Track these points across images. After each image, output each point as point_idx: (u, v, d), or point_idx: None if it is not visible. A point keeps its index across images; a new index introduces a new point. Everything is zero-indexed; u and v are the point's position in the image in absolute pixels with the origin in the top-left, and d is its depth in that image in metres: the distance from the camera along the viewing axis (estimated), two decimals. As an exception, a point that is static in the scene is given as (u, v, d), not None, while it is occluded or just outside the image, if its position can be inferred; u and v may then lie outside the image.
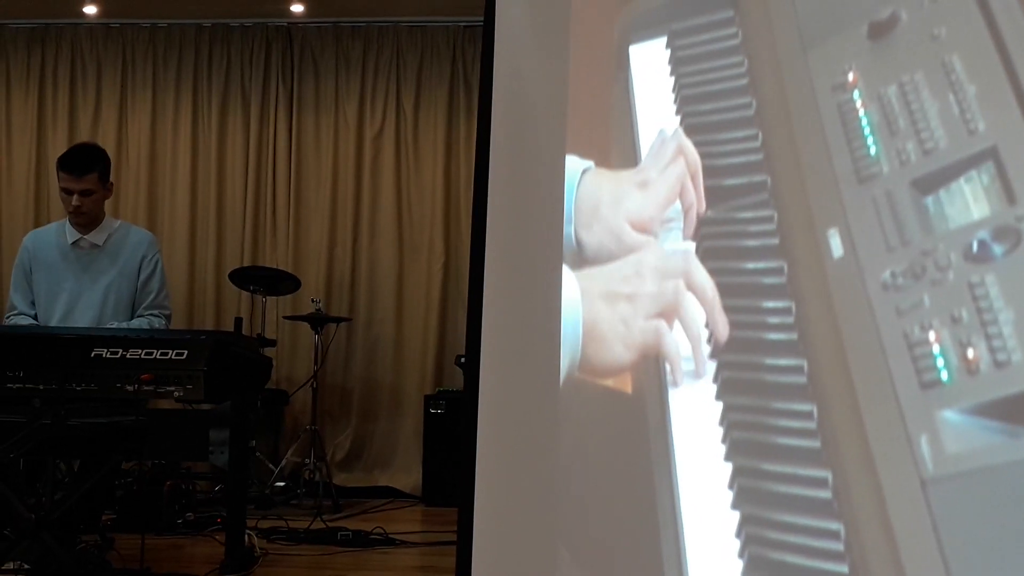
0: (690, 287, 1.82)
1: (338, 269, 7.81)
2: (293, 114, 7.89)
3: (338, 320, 7.38)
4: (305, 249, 7.82)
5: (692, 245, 1.86)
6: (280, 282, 7.14)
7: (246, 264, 7.60)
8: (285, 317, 7.50)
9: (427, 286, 7.74)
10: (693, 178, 1.81)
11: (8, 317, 4.93)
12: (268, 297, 7.25)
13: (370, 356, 7.76)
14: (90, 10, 7.43)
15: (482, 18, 7.36)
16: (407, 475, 7.51)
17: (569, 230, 2.15)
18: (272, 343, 7.06)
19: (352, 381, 7.77)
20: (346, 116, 7.86)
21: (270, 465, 7.10)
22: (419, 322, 7.73)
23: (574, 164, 2.19)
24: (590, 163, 2.14)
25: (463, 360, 7.06)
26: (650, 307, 1.93)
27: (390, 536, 5.63)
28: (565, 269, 2.18)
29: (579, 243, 2.12)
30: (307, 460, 7.00)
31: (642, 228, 1.96)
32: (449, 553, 5.30)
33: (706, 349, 1.80)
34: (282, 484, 7.08)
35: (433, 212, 7.75)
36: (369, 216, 7.81)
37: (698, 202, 1.81)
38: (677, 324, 1.86)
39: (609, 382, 2.09)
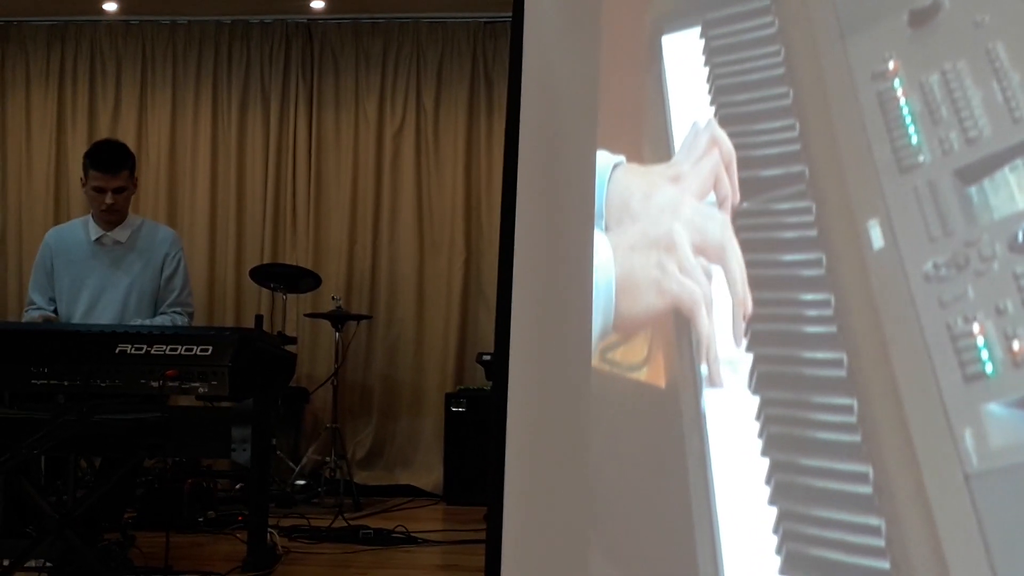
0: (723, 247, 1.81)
1: (358, 266, 7.80)
2: (313, 111, 7.88)
3: (359, 318, 7.37)
4: (325, 246, 7.81)
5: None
6: (300, 279, 7.13)
7: (266, 261, 7.59)
8: (305, 315, 7.49)
9: (448, 283, 7.72)
10: (727, 169, 1.78)
11: (26, 312, 4.93)
12: (288, 295, 7.25)
13: (391, 354, 7.75)
14: (110, 7, 7.44)
15: (503, 14, 7.36)
16: (428, 473, 7.49)
17: (599, 227, 2.13)
18: (293, 341, 7.05)
19: (373, 379, 7.75)
20: (366, 113, 7.85)
21: (291, 463, 7.10)
22: (440, 320, 7.72)
23: (605, 159, 2.17)
24: (621, 158, 2.12)
25: (485, 358, 7.08)
26: (676, 290, 1.91)
27: (412, 535, 5.61)
28: (596, 234, 2.16)
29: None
30: (328, 458, 6.99)
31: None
32: (472, 552, 5.31)
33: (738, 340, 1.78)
34: (303, 482, 7.07)
35: (454, 209, 7.73)
36: (389, 213, 7.80)
37: (732, 193, 1.79)
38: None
39: (641, 374, 2.07)
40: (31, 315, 4.85)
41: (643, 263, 2.04)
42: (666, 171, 1.97)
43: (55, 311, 4.87)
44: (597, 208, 2.15)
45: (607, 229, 2.13)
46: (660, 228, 2.01)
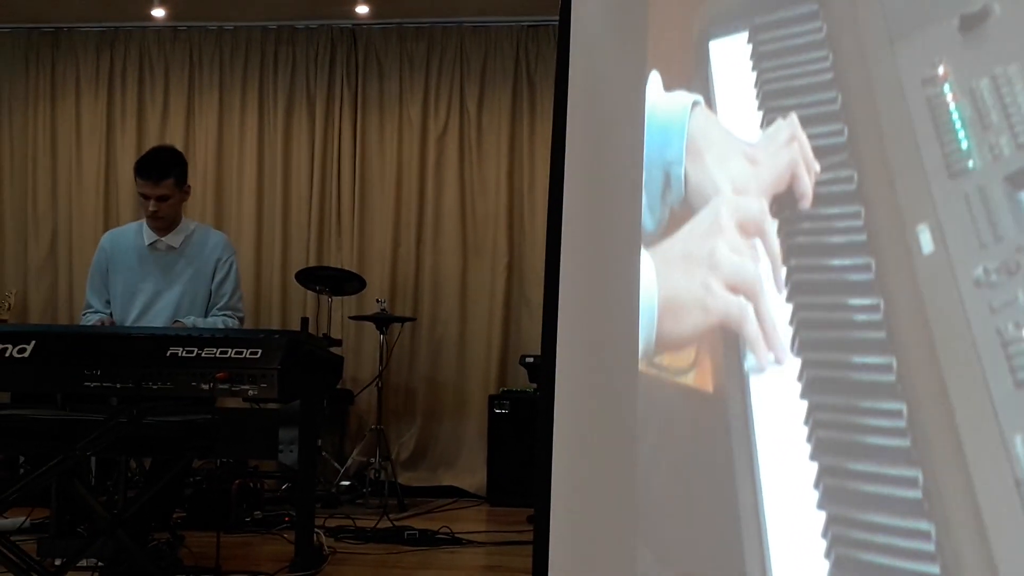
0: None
1: (402, 269, 7.84)
2: (358, 115, 7.93)
3: (403, 320, 7.41)
4: (370, 249, 7.86)
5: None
6: (345, 282, 7.17)
7: (311, 264, 7.64)
8: (350, 317, 7.54)
9: (491, 286, 7.74)
10: (807, 169, 1.77)
11: (83, 316, 4.99)
12: (334, 297, 7.29)
13: (434, 356, 7.78)
14: (158, 13, 7.51)
15: (546, 17, 7.38)
16: (471, 475, 7.52)
17: (680, 167, 2.12)
18: (338, 343, 7.10)
19: (416, 381, 7.79)
20: (410, 116, 7.89)
21: (336, 464, 7.15)
22: (483, 322, 7.74)
23: (681, 98, 2.16)
24: (699, 97, 2.11)
25: (528, 360, 7.09)
26: (729, 269, 1.91)
27: (456, 535, 5.63)
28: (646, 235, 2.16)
29: (687, 179, 2.09)
30: (372, 459, 7.03)
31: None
32: (516, 552, 5.32)
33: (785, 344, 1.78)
34: (348, 483, 7.11)
35: (497, 212, 7.75)
36: (433, 216, 7.83)
37: (803, 197, 1.76)
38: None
39: (688, 377, 2.07)
40: (89, 319, 4.90)
41: (686, 284, 2.05)
42: (745, 147, 1.96)
43: (111, 314, 4.93)
44: (679, 144, 2.14)
45: (687, 165, 2.11)
46: (703, 246, 2.02)
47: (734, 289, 1.93)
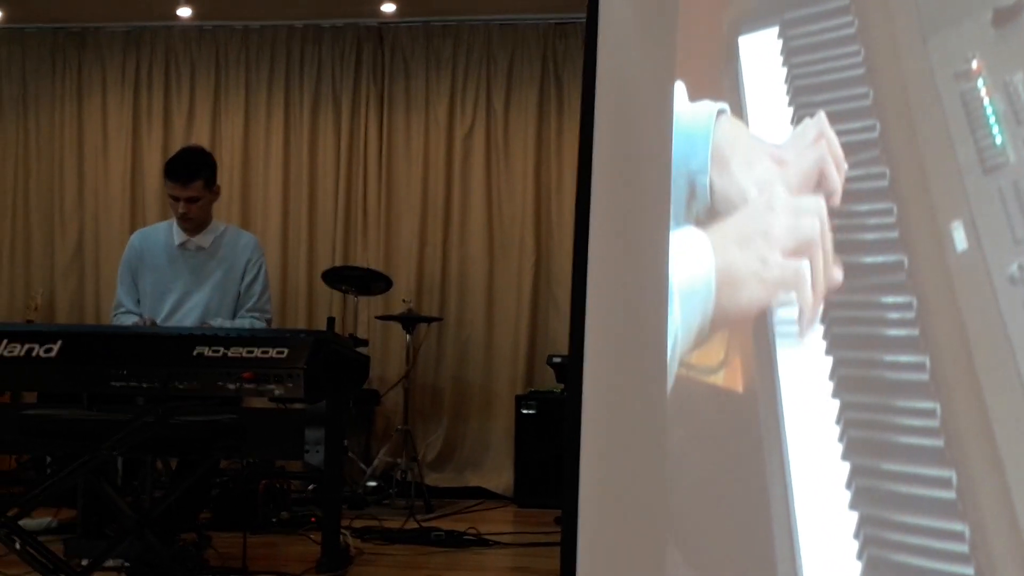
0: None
1: (429, 269, 7.84)
2: (384, 114, 7.94)
3: (429, 320, 7.41)
4: (396, 249, 7.86)
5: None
6: (372, 282, 7.17)
7: (338, 264, 7.65)
8: (377, 317, 7.54)
9: (518, 286, 7.73)
10: (836, 166, 1.74)
11: (115, 315, 5.00)
12: (360, 297, 7.29)
13: (461, 356, 7.78)
14: (184, 13, 7.54)
15: (574, 15, 7.36)
16: (498, 476, 7.51)
17: (704, 176, 2.10)
18: (364, 343, 7.10)
19: (443, 381, 7.79)
20: (436, 115, 7.89)
21: (362, 465, 7.15)
22: (510, 322, 7.74)
23: (706, 107, 2.14)
24: (724, 105, 2.09)
25: (555, 360, 7.08)
26: (787, 241, 1.88)
27: (483, 537, 5.63)
28: (693, 230, 2.14)
29: (712, 188, 2.06)
30: (399, 460, 7.03)
31: None
32: (543, 554, 5.31)
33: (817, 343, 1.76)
34: (374, 484, 7.12)
35: (524, 211, 7.75)
36: (459, 215, 7.83)
37: (832, 195, 1.73)
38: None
39: (718, 377, 2.06)
40: (124, 319, 4.92)
41: (743, 256, 2.02)
42: (771, 149, 1.94)
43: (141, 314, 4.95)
44: (704, 152, 2.12)
45: (711, 175, 2.09)
46: (757, 221, 2.00)
47: (767, 284, 1.90)
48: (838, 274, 1.72)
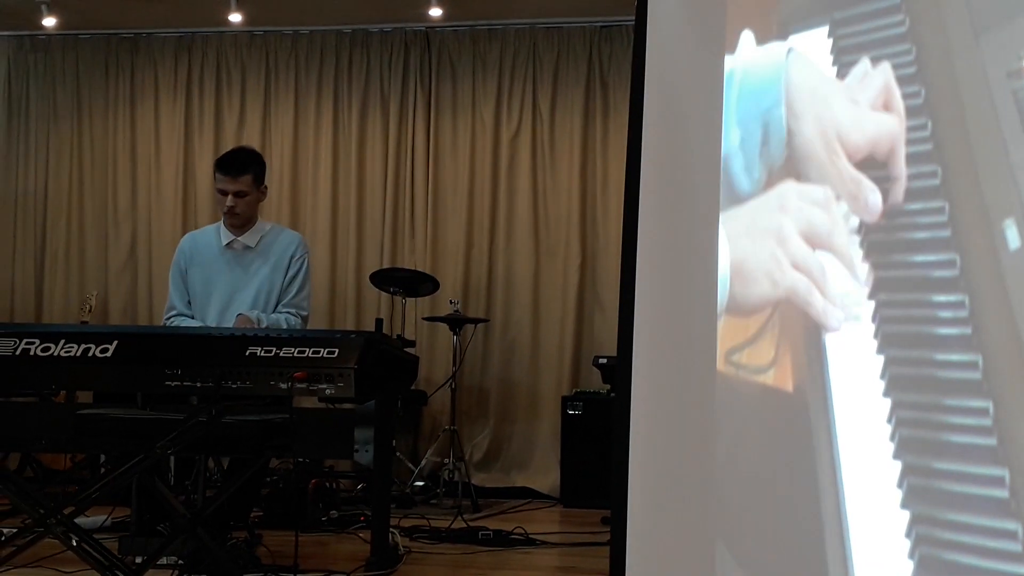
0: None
1: (475, 270, 7.87)
2: (431, 117, 7.98)
3: (476, 321, 7.43)
4: (443, 251, 7.90)
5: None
6: (419, 283, 7.21)
7: (385, 266, 7.70)
8: (424, 318, 7.58)
9: (563, 287, 7.74)
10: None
11: (168, 318, 5.07)
12: (407, 298, 7.33)
13: (507, 357, 7.80)
14: (235, 18, 7.61)
15: (619, 18, 7.36)
16: (545, 476, 7.53)
17: (780, 109, 2.07)
18: (411, 344, 7.14)
19: (489, 382, 7.81)
20: (483, 118, 7.91)
21: (410, 465, 7.19)
22: (556, 323, 7.75)
23: (778, 47, 2.12)
24: (790, 45, 2.07)
25: (601, 361, 7.08)
26: (798, 243, 1.89)
27: (530, 536, 5.64)
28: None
29: (791, 131, 2.03)
30: (446, 460, 7.06)
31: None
32: (590, 554, 5.32)
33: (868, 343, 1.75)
34: (422, 483, 7.16)
35: (569, 213, 7.76)
36: (506, 218, 7.85)
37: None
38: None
39: (768, 377, 2.06)
40: (177, 322, 4.98)
41: (756, 251, 2.03)
42: (843, 90, 1.89)
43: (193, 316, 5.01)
44: (777, 90, 2.09)
45: (788, 118, 2.06)
46: (771, 219, 2.00)
47: (812, 302, 1.91)
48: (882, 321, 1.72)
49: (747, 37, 2.24)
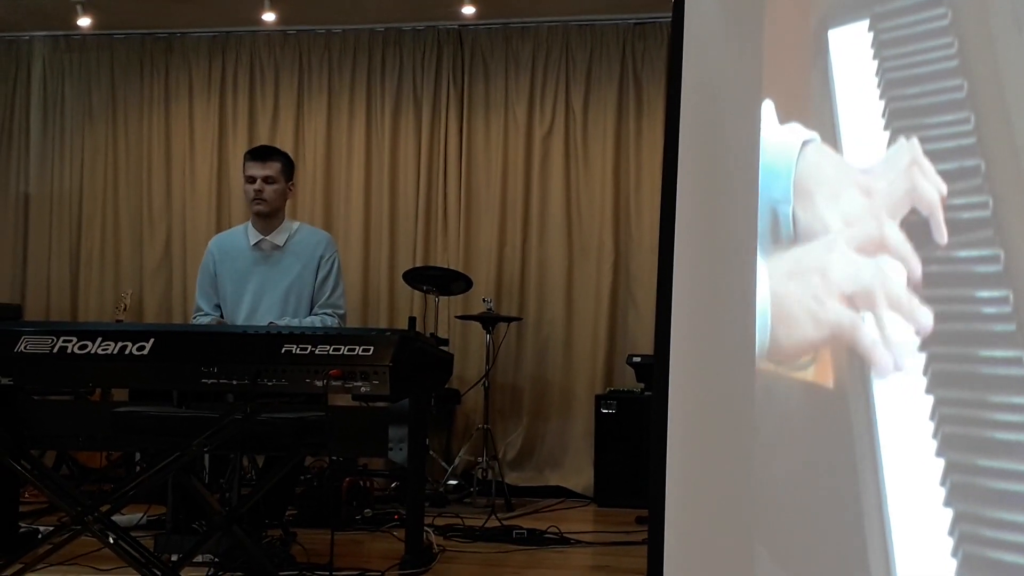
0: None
1: (508, 269, 7.86)
2: (464, 115, 7.98)
3: (509, 320, 7.43)
4: (476, 249, 7.90)
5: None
6: (452, 282, 7.22)
7: (418, 264, 7.70)
8: (457, 317, 7.57)
9: (597, 286, 7.73)
10: (938, 205, 1.68)
11: (194, 319, 5.11)
12: (440, 297, 7.33)
13: (540, 356, 7.79)
14: (268, 18, 7.64)
15: (653, 15, 7.33)
16: (578, 475, 7.51)
17: (787, 207, 2.08)
18: (445, 342, 7.14)
19: (523, 381, 7.81)
20: (516, 116, 7.91)
21: (443, 464, 7.20)
22: (589, 322, 7.74)
23: (789, 135, 2.12)
24: (814, 134, 2.07)
25: (635, 359, 7.06)
26: (844, 285, 1.87)
27: (565, 535, 5.63)
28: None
29: (795, 221, 2.05)
30: (479, 459, 7.06)
31: None
32: (625, 553, 5.31)
33: (909, 338, 1.73)
34: (455, 482, 7.16)
35: (603, 212, 7.74)
36: (538, 216, 7.85)
37: (936, 231, 1.68)
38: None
39: (807, 373, 2.04)
40: (200, 321, 5.01)
41: (798, 293, 2.01)
42: (860, 177, 1.90)
43: (220, 316, 5.04)
44: (785, 186, 2.10)
45: (794, 208, 2.08)
46: (816, 258, 1.99)
47: (850, 298, 1.89)
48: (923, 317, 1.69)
49: (768, 109, 2.25)
